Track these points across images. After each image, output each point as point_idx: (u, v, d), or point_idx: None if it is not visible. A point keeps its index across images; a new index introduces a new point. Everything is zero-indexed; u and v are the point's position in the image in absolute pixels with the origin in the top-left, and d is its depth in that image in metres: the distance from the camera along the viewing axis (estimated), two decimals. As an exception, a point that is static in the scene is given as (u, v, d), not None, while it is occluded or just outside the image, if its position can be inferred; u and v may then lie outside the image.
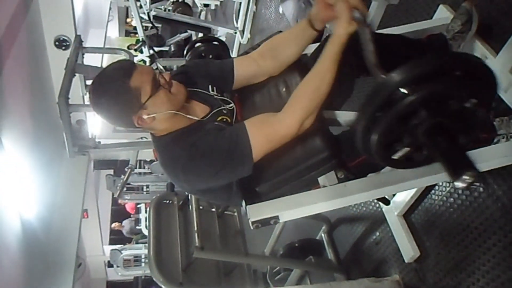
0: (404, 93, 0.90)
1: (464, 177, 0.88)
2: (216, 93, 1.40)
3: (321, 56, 1.21)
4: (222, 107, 1.36)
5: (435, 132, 0.94)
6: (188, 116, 1.29)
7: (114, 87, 1.22)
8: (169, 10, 6.11)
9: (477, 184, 1.67)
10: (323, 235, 2.91)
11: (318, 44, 1.50)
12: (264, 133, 1.21)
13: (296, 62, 1.41)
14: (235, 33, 5.09)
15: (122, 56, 3.68)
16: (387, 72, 1.05)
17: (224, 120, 1.34)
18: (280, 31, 1.54)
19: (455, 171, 0.90)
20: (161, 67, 1.22)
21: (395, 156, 1.03)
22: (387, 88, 0.91)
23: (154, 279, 2.34)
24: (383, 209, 2.19)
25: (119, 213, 11.58)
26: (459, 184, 0.89)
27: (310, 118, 1.22)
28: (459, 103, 0.93)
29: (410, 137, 0.98)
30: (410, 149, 1.02)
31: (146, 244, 2.89)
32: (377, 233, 2.36)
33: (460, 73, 0.91)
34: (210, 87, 1.41)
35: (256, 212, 1.21)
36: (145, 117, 1.24)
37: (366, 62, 1.10)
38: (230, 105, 1.39)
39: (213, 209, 2.85)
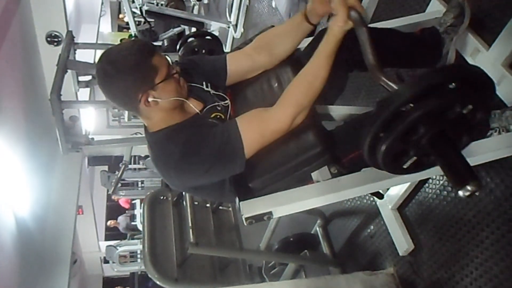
0: (403, 111, 0.93)
1: (468, 187, 0.91)
2: (210, 89, 1.39)
3: (315, 52, 1.21)
4: (216, 103, 1.36)
5: (437, 141, 0.97)
6: (190, 105, 1.30)
7: (135, 59, 1.20)
8: (161, 4, 6.06)
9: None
10: (318, 229, 2.92)
11: (311, 38, 1.50)
12: (256, 129, 1.21)
13: (288, 56, 1.40)
14: (228, 27, 5.07)
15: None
16: (384, 72, 1.08)
17: (218, 116, 1.34)
18: (273, 26, 1.53)
19: (459, 181, 0.93)
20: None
21: (405, 166, 1.05)
22: (386, 111, 0.94)
23: (149, 275, 2.35)
24: (377, 203, 2.20)
25: (114, 209, 11.58)
26: (462, 193, 0.92)
27: (302, 114, 1.21)
28: (457, 112, 0.95)
29: (415, 149, 1.00)
30: (417, 159, 1.04)
31: (141, 240, 2.89)
32: (372, 227, 2.37)
33: (455, 85, 0.94)
34: (205, 83, 1.40)
35: (250, 208, 1.21)
36: (150, 99, 1.23)
37: (366, 62, 1.11)
38: (226, 101, 1.39)
39: (208, 205, 2.85)
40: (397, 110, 0.93)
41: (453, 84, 0.94)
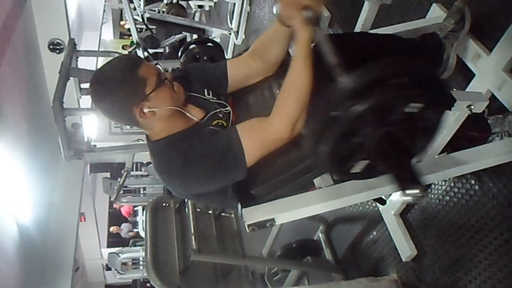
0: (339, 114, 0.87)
1: (411, 191, 0.90)
2: (212, 97, 1.40)
3: (292, 59, 1.21)
4: (218, 110, 1.36)
5: (382, 144, 0.91)
6: (187, 114, 1.29)
7: (121, 75, 1.21)
8: (163, 11, 6.09)
9: (473, 182, 1.68)
10: (320, 235, 2.91)
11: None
12: (257, 138, 1.21)
13: (289, 62, 1.40)
14: (230, 34, 5.09)
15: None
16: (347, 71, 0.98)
17: (220, 123, 1.34)
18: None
19: (403, 185, 0.91)
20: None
21: (355, 170, 1.01)
22: (322, 115, 0.90)
23: (151, 282, 2.34)
24: (380, 209, 2.20)
25: (116, 216, 11.58)
26: (406, 198, 0.91)
27: (300, 120, 1.21)
28: (399, 111, 0.89)
29: (361, 151, 0.95)
30: (369, 162, 0.99)
31: (144, 247, 2.89)
32: (374, 233, 2.36)
33: (401, 80, 0.88)
34: (205, 90, 1.40)
35: (252, 215, 1.21)
36: (146, 110, 1.23)
37: (327, 64, 1.05)
38: (226, 108, 1.39)
39: (210, 212, 2.84)
40: (335, 109, 0.87)
41: (399, 79, 0.87)
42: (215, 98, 1.39)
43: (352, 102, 0.86)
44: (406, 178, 0.90)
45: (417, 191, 0.89)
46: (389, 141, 0.90)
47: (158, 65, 1.29)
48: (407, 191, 0.89)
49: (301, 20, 1.14)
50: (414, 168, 0.92)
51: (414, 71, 0.91)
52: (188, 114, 1.29)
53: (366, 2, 2.08)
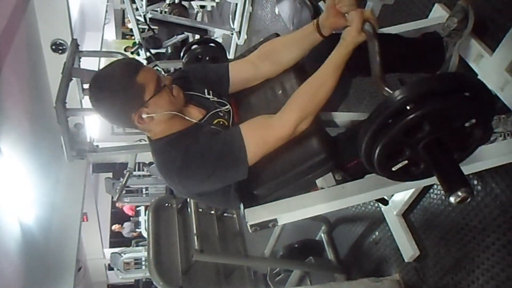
0: (406, 109, 0.92)
1: (459, 193, 0.92)
2: (212, 96, 1.40)
3: (326, 61, 1.22)
4: (218, 109, 1.36)
5: (434, 147, 0.97)
6: (186, 117, 1.29)
7: (119, 81, 1.22)
8: (165, 12, 6.11)
9: (475, 183, 1.68)
10: (322, 235, 2.91)
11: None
12: (259, 135, 1.21)
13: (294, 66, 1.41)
14: (232, 34, 5.09)
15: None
16: (387, 83, 1.09)
17: (221, 122, 1.34)
18: (277, 33, 1.54)
19: (450, 187, 0.94)
20: (161, 70, 1.23)
21: (394, 168, 1.05)
22: (392, 106, 0.94)
23: (154, 282, 2.34)
24: (382, 209, 2.19)
25: (118, 216, 11.60)
26: (452, 199, 0.93)
27: (306, 121, 1.21)
28: (461, 122, 0.96)
29: (411, 150, 1.00)
30: (408, 163, 1.03)
31: (146, 247, 2.90)
32: (377, 233, 2.36)
33: (465, 94, 0.94)
34: (206, 90, 1.40)
35: (254, 215, 1.21)
36: (144, 116, 1.24)
37: (372, 73, 1.12)
38: (226, 107, 1.39)
39: (212, 212, 2.85)
40: (402, 107, 0.92)
41: (464, 93, 0.93)
42: (215, 98, 1.39)
43: (423, 103, 0.92)
44: (455, 178, 0.95)
45: (463, 192, 0.92)
46: (440, 146, 0.98)
47: (157, 67, 1.29)
48: (455, 193, 0.93)
49: (358, 30, 1.16)
50: (461, 171, 0.97)
51: (477, 88, 0.96)
52: (186, 117, 1.29)
53: (368, 2, 2.07)
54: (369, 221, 2.46)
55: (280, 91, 1.37)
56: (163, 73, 1.32)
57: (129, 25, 10.18)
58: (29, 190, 4.32)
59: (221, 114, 1.36)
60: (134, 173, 6.27)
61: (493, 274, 1.62)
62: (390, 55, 1.50)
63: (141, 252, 7.67)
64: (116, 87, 1.22)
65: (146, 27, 5.71)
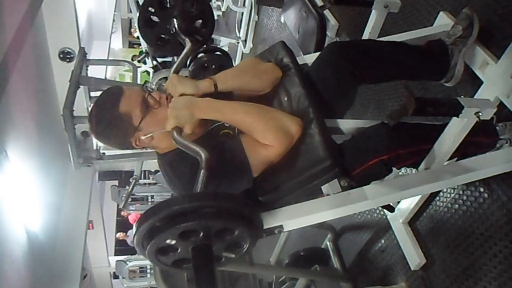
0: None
1: None
2: None
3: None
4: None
5: (197, 253, 1.02)
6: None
7: (106, 117, 1.26)
8: (172, 21, 6.13)
9: (482, 190, 1.67)
10: (328, 243, 2.89)
11: (318, 53, 1.52)
12: (258, 150, 1.23)
13: (297, 71, 1.41)
14: (238, 43, 5.12)
15: (126, 68, 3.70)
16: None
17: (227, 133, 1.35)
18: (283, 42, 1.54)
19: None
20: (153, 87, 1.22)
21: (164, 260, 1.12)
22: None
23: (159, 290, 2.34)
24: (388, 217, 2.18)
25: (124, 224, 11.59)
26: None
27: (286, 129, 1.24)
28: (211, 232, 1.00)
29: (182, 249, 1.05)
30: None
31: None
32: (383, 241, 2.35)
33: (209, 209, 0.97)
34: None
35: (260, 221, 1.21)
36: (142, 138, 1.27)
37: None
38: None
39: (218, 219, 2.84)
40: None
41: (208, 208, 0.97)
42: None
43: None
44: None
45: None
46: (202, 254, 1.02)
47: (146, 85, 1.29)
48: None
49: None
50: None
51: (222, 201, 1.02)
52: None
53: (373, 11, 2.09)
54: (375, 229, 2.45)
55: (286, 98, 1.38)
56: (154, 89, 1.32)
57: (136, 34, 10.29)
58: (36, 197, 4.34)
59: (227, 125, 1.37)
60: (140, 181, 6.28)
61: (500, 282, 1.61)
62: (395, 63, 1.51)
63: (147, 260, 7.65)
64: (104, 122, 1.26)
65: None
